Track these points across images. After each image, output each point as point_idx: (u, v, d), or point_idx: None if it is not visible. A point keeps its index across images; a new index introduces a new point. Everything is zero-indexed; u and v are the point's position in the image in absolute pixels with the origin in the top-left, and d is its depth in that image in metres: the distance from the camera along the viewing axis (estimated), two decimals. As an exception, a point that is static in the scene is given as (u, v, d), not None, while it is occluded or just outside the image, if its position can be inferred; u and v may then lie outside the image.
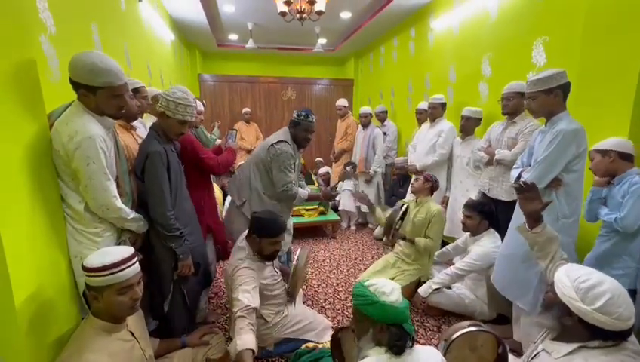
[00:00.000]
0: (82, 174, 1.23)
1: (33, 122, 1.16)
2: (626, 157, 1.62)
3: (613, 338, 0.96)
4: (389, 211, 2.55)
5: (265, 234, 1.72)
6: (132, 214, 1.43)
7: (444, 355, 1.38)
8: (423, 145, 3.26)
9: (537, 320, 1.09)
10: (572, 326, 1.01)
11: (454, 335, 1.39)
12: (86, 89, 1.24)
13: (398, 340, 1.06)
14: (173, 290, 1.70)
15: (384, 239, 2.51)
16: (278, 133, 2.26)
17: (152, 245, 1.62)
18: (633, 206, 1.53)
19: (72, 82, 1.25)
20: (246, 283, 1.59)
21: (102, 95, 1.26)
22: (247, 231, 1.84)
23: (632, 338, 0.99)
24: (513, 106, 2.31)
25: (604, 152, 1.66)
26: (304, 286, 2.51)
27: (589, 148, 1.71)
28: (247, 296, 1.52)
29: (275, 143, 2.12)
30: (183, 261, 1.65)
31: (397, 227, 2.43)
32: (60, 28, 1.64)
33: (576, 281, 0.99)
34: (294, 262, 1.95)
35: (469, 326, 1.42)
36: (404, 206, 2.45)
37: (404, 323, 1.08)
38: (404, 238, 2.46)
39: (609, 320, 0.93)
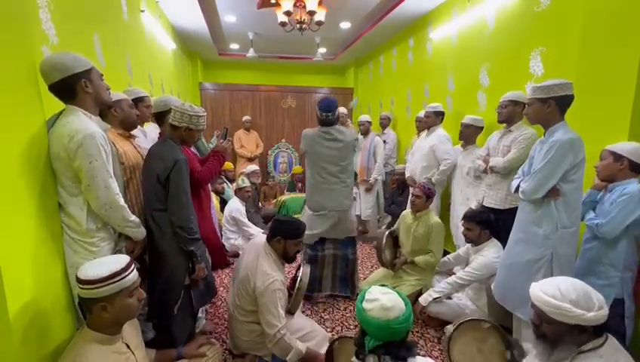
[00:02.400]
0: (85, 173, 1.23)
1: (33, 131, 1.16)
2: (636, 168, 1.61)
3: (604, 330, 1.01)
4: (380, 232, 2.58)
5: (291, 236, 1.83)
6: (133, 217, 1.44)
7: (449, 341, 1.38)
8: (418, 154, 3.30)
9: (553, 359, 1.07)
10: (584, 339, 1.02)
11: (463, 319, 1.40)
12: (83, 77, 1.26)
13: (358, 346, 1.09)
14: (183, 296, 1.73)
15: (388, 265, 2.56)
16: (342, 128, 2.50)
17: (161, 253, 1.65)
18: (617, 215, 1.55)
19: (64, 85, 1.24)
20: (281, 300, 1.74)
21: (95, 78, 1.32)
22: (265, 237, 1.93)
23: (612, 339, 1.04)
24: (506, 114, 2.34)
25: (617, 157, 1.62)
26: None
27: (601, 149, 1.71)
28: (283, 314, 1.72)
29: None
30: (200, 263, 1.72)
31: (392, 256, 2.48)
32: (62, 38, 1.66)
33: (568, 298, 1.01)
34: (298, 281, 1.94)
35: (481, 319, 1.43)
36: (386, 234, 2.46)
37: (370, 336, 1.06)
38: (406, 263, 2.47)
39: (605, 311, 0.98)
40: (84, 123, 1.24)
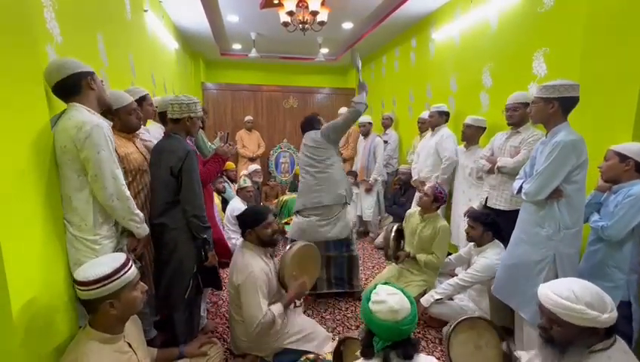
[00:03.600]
0: (92, 163, 1.25)
1: (38, 128, 1.17)
2: None
3: (614, 332, 1.01)
4: (389, 225, 2.57)
5: (256, 223, 1.84)
6: (137, 210, 1.46)
7: (448, 342, 1.38)
8: (424, 154, 3.30)
9: None
10: (594, 341, 1.02)
11: (458, 319, 1.41)
12: (88, 75, 1.32)
13: (365, 346, 1.09)
14: (191, 284, 1.78)
15: (391, 259, 2.55)
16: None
17: (172, 245, 1.71)
18: (622, 217, 1.54)
19: (70, 81, 1.29)
20: (262, 287, 1.73)
21: (97, 79, 1.38)
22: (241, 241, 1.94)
23: (620, 339, 1.04)
24: (518, 117, 2.30)
25: (623, 157, 1.60)
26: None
27: (605, 150, 1.69)
28: (266, 303, 1.73)
29: None
30: (212, 250, 1.80)
31: (393, 249, 2.45)
32: (66, 38, 1.66)
33: (584, 300, 0.99)
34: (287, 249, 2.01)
35: (476, 316, 1.44)
36: (395, 227, 2.45)
37: (378, 337, 1.05)
38: (408, 256, 2.46)
39: (616, 313, 0.98)
40: (89, 115, 1.29)
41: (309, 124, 2.72)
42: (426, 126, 3.67)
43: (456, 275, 2.26)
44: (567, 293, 1.01)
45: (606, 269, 1.63)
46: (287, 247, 2.06)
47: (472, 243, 2.34)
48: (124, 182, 1.37)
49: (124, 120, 1.67)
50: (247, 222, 1.87)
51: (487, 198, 2.48)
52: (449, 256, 2.54)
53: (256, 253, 1.86)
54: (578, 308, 0.98)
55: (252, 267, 1.74)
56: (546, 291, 1.07)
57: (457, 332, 1.47)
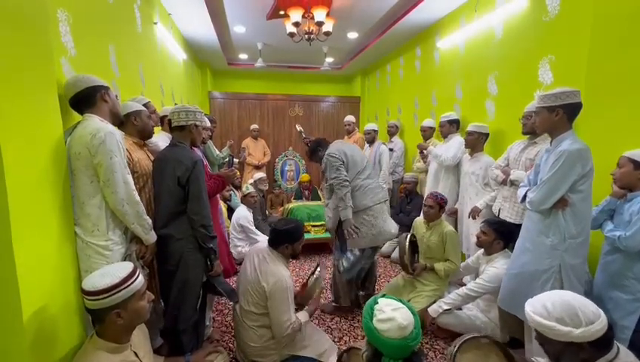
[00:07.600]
0: (105, 168, 1.30)
1: (52, 138, 1.20)
2: None
3: (609, 343, 0.97)
4: (402, 235, 2.54)
5: (297, 239, 1.92)
6: (146, 216, 1.49)
7: (453, 360, 1.35)
8: (435, 164, 3.29)
9: None
10: (588, 356, 0.98)
11: (463, 338, 1.38)
12: (103, 89, 1.41)
13: None
14: (202, 294, 1.80)
15: (406, 272, 2.52)
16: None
17: (179, 256, 1.68)
18: None
19: (87, 93, 1.37)
20: (290, 297, 1.80)
21: (111, 93, 1.46)
22: (266, 245, 1.95)
23: (625, 350, 0.99)
24: (532, 126, 2.27)
25: (637, 164, 1.58)
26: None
27: (612, 157, 1.68)
28: (293, 309, 1.82)
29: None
30: (217, 260, 1.79)
31: (410, 261, 2.42)
32: (80, 50, 1.71)
33: (555, 316, 0.97)
34: (316, 274, 2.06)
35: (480, 335, 1.40)
36: (408, 237, 2.43)
37: (387, 357, 1.00)
38: (425, 268, 2.42)
39: (596, 326, 0.93)
40: (102, 124, 1.35)
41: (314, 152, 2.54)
42: (429, 134, 3.67)
43: (465, 285, 2.23)
44: (541, 309, 1.00)
45: (624, 281, 1.58)
46: (318, 270, 2.15)
47: (481, 252, 2.31)
48: (134, 188, 1.42)
49: (144, 122, 1.74)
50: (290, 237, 1.89)
51: (499, 210, 2.44)
52: (457, 265, 2.51)
53: (282, 262, 1.89)
54: (549, 325, 0.97)
55: (283, 275, 1.78)
56: (527, 308, 1.05)
57: (463, 351, 1.44)
